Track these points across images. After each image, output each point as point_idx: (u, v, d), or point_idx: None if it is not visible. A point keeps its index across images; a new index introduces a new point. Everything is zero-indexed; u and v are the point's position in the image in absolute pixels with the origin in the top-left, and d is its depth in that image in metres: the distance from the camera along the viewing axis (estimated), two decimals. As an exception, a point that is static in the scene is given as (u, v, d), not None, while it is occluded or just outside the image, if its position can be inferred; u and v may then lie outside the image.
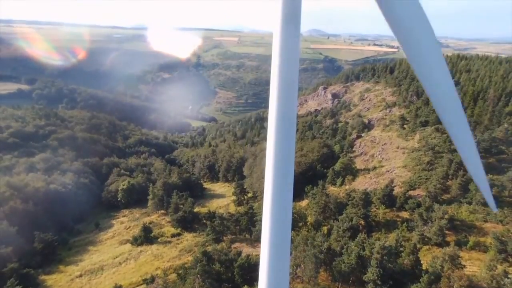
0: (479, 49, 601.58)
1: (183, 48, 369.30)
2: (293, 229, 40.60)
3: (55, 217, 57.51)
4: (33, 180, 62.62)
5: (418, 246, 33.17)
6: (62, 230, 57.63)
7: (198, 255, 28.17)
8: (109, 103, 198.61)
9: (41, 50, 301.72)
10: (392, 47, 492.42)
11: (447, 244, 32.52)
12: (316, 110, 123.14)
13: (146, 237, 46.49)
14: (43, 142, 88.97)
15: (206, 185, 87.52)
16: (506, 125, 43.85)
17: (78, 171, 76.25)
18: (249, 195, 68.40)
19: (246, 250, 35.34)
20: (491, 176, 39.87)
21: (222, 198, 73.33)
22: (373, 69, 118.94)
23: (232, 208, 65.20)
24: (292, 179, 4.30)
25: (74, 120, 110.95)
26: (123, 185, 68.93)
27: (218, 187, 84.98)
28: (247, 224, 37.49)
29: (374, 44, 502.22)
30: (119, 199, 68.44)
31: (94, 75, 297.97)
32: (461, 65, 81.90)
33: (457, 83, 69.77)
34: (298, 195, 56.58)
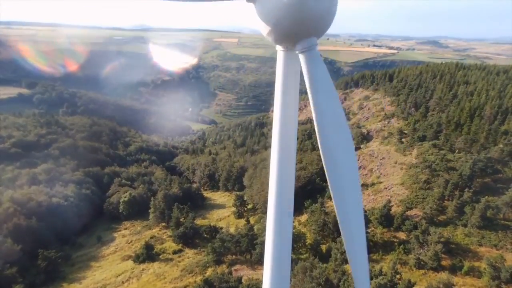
0: (478, 49, 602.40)
1: (183, 49, 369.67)
2: (292, 249, 41.57)
3: (57, 231, 58.37)
4: (36, 193, 63.41)
5: (413, 270, 34.15)
6: (65, 244, 58.48)
7: (199, 283, 28.96)
8: (109, 107, 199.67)
9: (41, 53, 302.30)
10: (392, 48, 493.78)
11: (443, 268, 33.40)
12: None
13: (148, 254, 47.25)
14: (44, 151, 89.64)
15: (207, 194, 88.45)
16: (501, 146, 44.64)
17: (79, 181, 77.11)
18: (249, 206, 69.28)
19: (246, 272, 36.16)
20: (487, 197, 40.68)
21: (223, 209, 74.16)
22: (372, 76, 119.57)
23: (232, 220, 66.13)
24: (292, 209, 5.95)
25: (75, 128, 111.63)
26: (125, 197, 69.74)
27: (218, 197, 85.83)
28: (248, 246, 38.33)
29: (374, 45, 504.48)
30: (120, 210, 69.26)
31: (95, 78, 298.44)
32: (458, 76, 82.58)
33: (454, 96, 70.58)
34: (297, 209, 57.44)
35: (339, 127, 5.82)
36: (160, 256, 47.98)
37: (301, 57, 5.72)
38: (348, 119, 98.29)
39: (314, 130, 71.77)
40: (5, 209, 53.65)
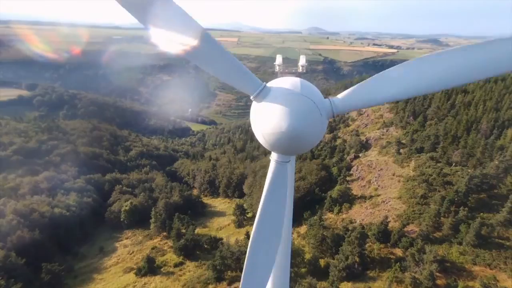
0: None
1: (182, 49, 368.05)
2: (291, 265, 42.42)
3: (60, 242, 59.28)
4: (38, 204, 64.18)
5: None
6: (67, 254, 59.41)
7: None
8: (109, 109, 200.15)
9: (41, 52, 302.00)
10: (392, 47, 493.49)
11: None
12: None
13: (150, 267, 48.10)
14: (46, 158, 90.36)
15: (207, 200, 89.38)
16: (497, 162, 45.38)
17: (81, 189, 77.92)
18: (249, 215, 70.12)
19: (246, 290, 36.96)
20: (482, 214, 41.54)
21: (223, 217, 74.99)
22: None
23: (232, 230, 67.06)
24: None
25: (76, 133, 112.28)
26: (126, 206, 70.53)
27: (218, 203, 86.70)
28: (247, 264, 39.13)
29: (374, 44, 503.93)
30: (122, 219, 70.08)
31: (94, 77, 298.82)
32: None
33: (452, 106, 71.25)
34: (296, 220, 58.29)
35: (274, 241, 6.83)
36: (162, 269, 48.84)
37: (272, 164, 6.66)
38: (347, 125, 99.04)
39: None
40: (8, 222, 54.45)
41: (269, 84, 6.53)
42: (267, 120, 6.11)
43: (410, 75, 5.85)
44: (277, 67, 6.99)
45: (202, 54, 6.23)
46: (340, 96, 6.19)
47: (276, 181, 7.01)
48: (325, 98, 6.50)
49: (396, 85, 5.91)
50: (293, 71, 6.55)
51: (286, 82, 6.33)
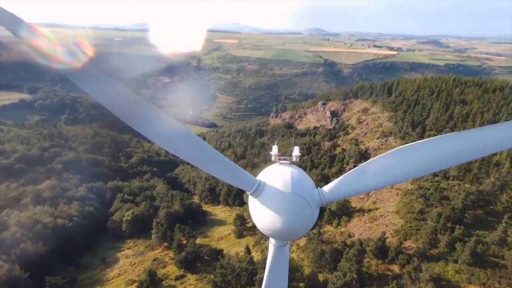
0: (479, 49, 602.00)
1: (183, 51, 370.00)
2: (289, 280, 43.09)
3: (62, 253, 59.99)
4: (41, 214, 64.99)
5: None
6: (69, 265, 60.25)
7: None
8: (110, 113, 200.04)
9: (41, 54, 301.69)
10: (392, 49, 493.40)
11: (433, 307, 34.98)
12: (315, 127, 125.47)
13: (151, 280, 48.92)
14: (48, 166, 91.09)
15: (207, 207, 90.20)
16: (493, 179, 46.14)
17: (83, 198, 78.65)
18: (249, 225, 70.86)
19: (246, 307, 37.88)
20: (478, 231, 42.32)
21: (223, 226, 75.79)
22: (371, 87, 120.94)
23: (233, 240, 67.90)
24: None
25: (78, 139, 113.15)
26: (127, 215, 71.38)
27: (219, 211, 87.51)
28: (248, 281, 40.03)
29: (374, 46, 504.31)
30: (123, 229, 70.92)
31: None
32: (455, 94, 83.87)
33: (450, 118, 71.95)
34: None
35: None
36: (163, 282, 49.67)
37: (271, 247, 7.39)
38: (347, 133, 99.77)
39: (313, 144, 73.24)
40: (12, 234, 55.29)
41: (263, 178, 7.13)
42: (263, 217, 6.78)
43: (393, 164, 6.14)
44: (273, 157, 7.75)
45: (206, 161, 6.84)
46: (328, 187, 6.65)
47: (276, 263, 7.88)
48: (316, 187, 7.06)
49: (381, 175, 6.23)
50: (287, 160, 7.21)
51: (278, 178, 6.92)
